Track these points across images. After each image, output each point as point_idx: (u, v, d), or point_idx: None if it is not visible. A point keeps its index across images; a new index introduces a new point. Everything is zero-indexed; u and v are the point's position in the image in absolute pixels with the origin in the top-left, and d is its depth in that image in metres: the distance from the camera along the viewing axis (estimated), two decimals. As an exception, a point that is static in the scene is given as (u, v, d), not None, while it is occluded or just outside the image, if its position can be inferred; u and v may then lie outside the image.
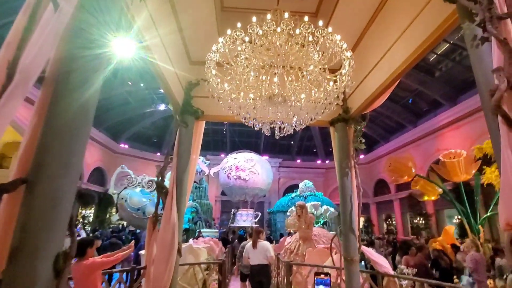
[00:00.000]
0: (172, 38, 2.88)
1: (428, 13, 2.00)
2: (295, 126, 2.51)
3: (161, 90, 18.92)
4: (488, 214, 7.38)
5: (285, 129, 2.45)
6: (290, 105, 2.31)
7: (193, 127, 3.32)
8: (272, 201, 21.54)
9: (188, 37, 3.05)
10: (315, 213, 13.45)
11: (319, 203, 13.61)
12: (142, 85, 17.56)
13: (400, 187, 18.61)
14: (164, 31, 2.64)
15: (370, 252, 3.25)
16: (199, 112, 3.33)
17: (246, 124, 2.54)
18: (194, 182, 18.32)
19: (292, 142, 25.17)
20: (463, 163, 7.24)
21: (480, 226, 6.98)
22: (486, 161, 8.17)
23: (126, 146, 22.16)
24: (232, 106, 2.46)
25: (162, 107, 20.09)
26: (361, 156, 23.23)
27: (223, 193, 21.05)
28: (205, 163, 18.00)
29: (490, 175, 8.29)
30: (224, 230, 16.50)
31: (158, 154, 23.44)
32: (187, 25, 2.96)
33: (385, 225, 19.95)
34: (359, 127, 3.19)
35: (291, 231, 7.72)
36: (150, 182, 13.24)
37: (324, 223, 14.23)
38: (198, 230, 14.13)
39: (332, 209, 13.83)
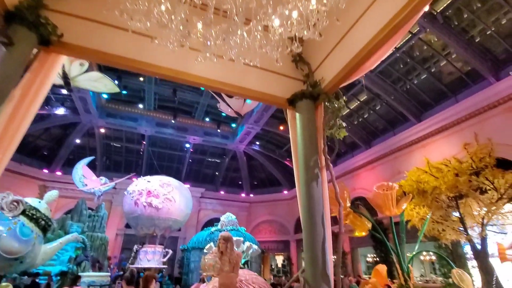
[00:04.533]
0: None
1: None
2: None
3: (64, 91, 15.33)
4: (415, 252, 7.21)
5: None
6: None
7: (28, 53, 1.60)
8: (189, 236, 18.80)
9: None
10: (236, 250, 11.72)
11: (242, 239, 12.04)
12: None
13: (320, 224, 18.75)
14: None
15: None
16: (50, 30, 1.65)
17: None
18: (90, 209, 14.45)
19: (217, 173, 23.58)
20: (395, 197, 7.06)
21: (410, 266, 6.64)
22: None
23: (-4, 156, 16.57)
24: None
25: (60, 111, 16.16)
26: (285, 192, 23.24)
27: (128, 226, 17.31)
28: (109, 187, 14.63)
29: (410, 211, 8.47)
30: (121, 273, 12.94)
31: (46, 171, 18.32)
32: None
33: (303, 264, 19.41)
34: (336, 105, 2.05)
35: (207, 276, 5.82)
36: (14, 204, 9.42)
37: (245, 263, 12.57)
38: (79, 274, 10.51)
39: (255, 247, 12.41)
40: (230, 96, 6.49)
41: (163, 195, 12.31)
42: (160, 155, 20.91)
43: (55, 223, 12.55)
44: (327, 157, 1.96)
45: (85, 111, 16.20)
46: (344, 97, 2.07)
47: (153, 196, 12.15)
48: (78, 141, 18.81)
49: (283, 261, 21.31)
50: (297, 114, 2.20)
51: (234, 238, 11.21)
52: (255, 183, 24.30)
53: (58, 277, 10.98)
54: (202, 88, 15.23)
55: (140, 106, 17.48)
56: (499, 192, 7.59)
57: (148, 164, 20.41)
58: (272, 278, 14.96)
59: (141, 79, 14.71)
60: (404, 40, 11.09)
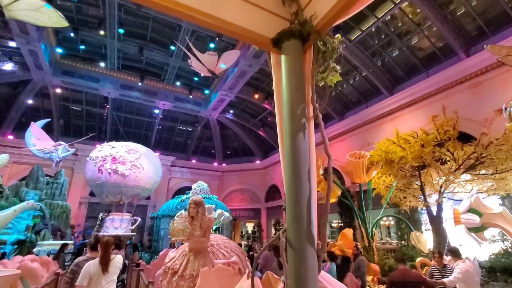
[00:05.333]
0: None
1: None
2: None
3: (11, 43, 13.31)
4: (379, 217, 7.64)
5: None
6: None
7: None
8: (159, 205, 18.48)
9: None
10: (207, 217, 11.71)
11: (214, 206, 12.00)
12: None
13: (290, 193, 19.36)
14: None
15: (327, 279, 1.81)
16: None
17: None
18: (47, 176, 13.39)
19: (189, 141, 22.88)
20: (366, 165, 7.26)
21: (374, 229, 7.04)
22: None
23: None
24: None
25: (8, 66, 14.16)
26: (257, 162, 23.35)
27: (92, 194, 16.45)
28: (67, 151, 13.54)
29: (378, 180, 8.86)
30: (86, 241, 12.45)
31: (-6, 135, 16.43)
32: None
33: (273, 230, 20.27)
34: (329, 46, 1.74)
35: (177, 241, 5.62)
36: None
37: (217, 229, 12.70)
38: (38, 242, 9.93)
39: (226, 214, 12.47)
40: (203, 52, 5.87)
41: (129, 162, 11.64)
42: (127, 120, 19.59)
43: (7, 190, 11.52)
44: (316, 106, 1.69)
45: (37, 67, 14.32)
46: (339, 36, 1.76)
47: (119, 162, 11.44)
48: (30, 101, 16.85)
49: (254, 227, 22.04)
50: (283, 57, 1.87)
51: (206, 205, 11.10)
52: (228, 152, 24.10)
53: (15, 246, 10.31)
54: (172, 48, 13.98)
55: (102, 64, 15.76)
56: (457, 162, 8.10)
57: (113, 130, 19.11)
58: (242, 244, 15.41)
59: (102, 32, 13.07)
60: (386, 11, 10.89)
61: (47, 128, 15.44)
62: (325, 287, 1.72)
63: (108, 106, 17.54)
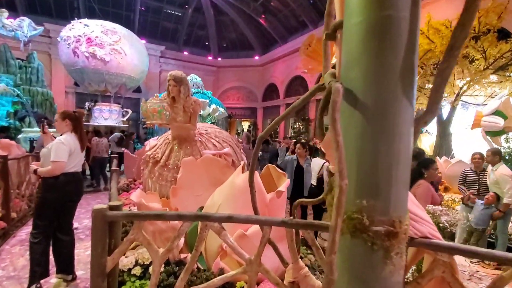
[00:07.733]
0: None
1: None
2: None
3: None
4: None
5: None
6: None
7: None
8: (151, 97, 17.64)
9: None
10: (202, 113, 11.14)
11: (208, 101, 11.24)
12: None
13: (288, 92, 18.47)
14: None
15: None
16: None
17: None
18: (18, 59, 11.84)
19: (179, 26, 20.01)
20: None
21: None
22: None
23: None
24: None
25: None
26: (256, 58, 21.01)
27: (77, 84, 15.24)
28: (34, 30, 11.53)
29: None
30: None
31: None
32: None
33: (268, 129, 20.39)
34: None
35: (153, 125, 4.97)
36: None
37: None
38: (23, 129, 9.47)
39: (221, 109, 11.87)
40: None
41: (108, 45, 10.04)
42: (102, -4, 16.34)
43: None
44: None
45: None
46: None
47: (96, 45, 9.86)
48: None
49: (249, 126, 22.16)
50: None
51: (200, 99, 10.17)
52: (224, 45, 21.66)
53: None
54: None
55: None
56: (487, 61, 7.01)
57: (88, 8, 16.15)
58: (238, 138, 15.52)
59: None
60: None
61: (9, 7, 12.82)
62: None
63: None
